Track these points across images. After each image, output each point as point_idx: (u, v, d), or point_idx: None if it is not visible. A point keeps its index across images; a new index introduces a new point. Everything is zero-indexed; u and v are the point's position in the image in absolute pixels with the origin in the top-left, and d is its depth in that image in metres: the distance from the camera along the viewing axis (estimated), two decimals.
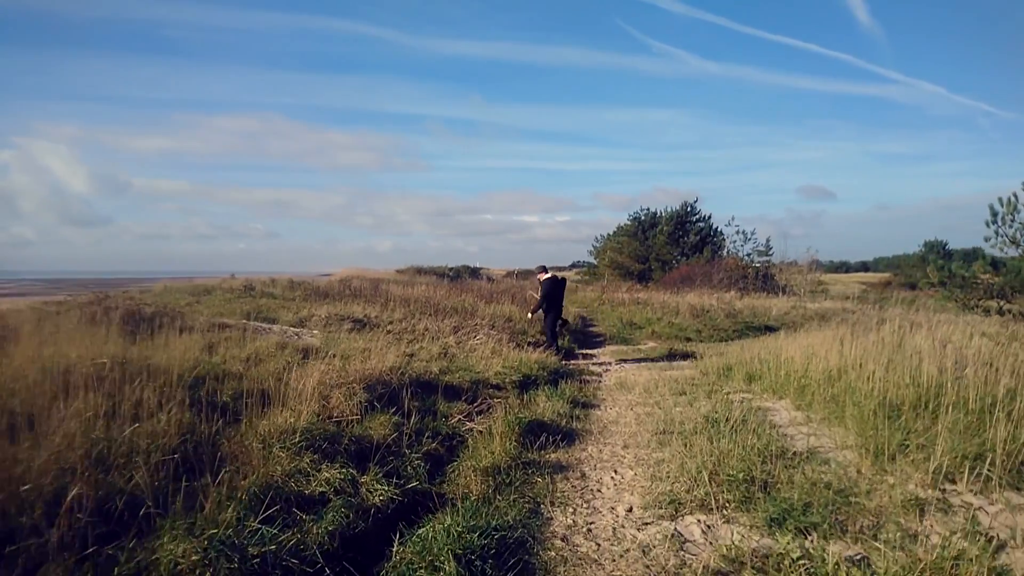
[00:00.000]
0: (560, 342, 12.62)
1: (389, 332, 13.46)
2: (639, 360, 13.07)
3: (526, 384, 8.83)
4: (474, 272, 52.69)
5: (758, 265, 38.39)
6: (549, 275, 12.46)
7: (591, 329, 19.17)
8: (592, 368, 11.80)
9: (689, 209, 44.22)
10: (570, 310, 20.72)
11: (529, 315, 13.04)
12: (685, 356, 13.67)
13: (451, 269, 50.52)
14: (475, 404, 7.21)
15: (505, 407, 7.09)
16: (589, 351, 15.01)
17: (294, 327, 13.33)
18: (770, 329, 20.21)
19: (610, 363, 12.65)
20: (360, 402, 6.06)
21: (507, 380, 8.57)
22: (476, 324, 13.58)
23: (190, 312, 13.19)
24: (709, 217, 44.46)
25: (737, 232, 41.20)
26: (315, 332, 12.92)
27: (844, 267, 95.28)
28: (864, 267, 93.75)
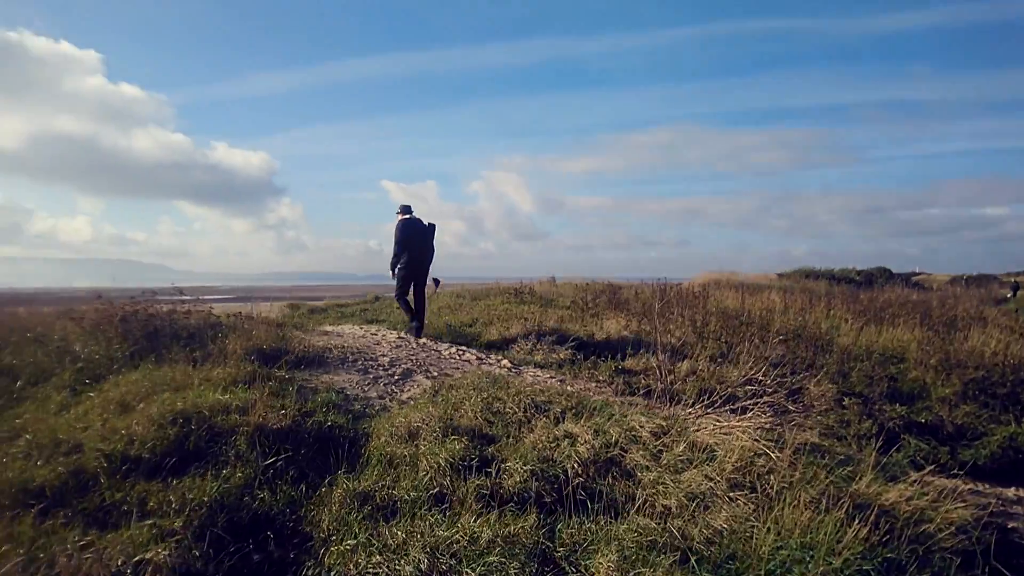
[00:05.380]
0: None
1: (619, 375, 7.52)
2: None
3: None
4: (893, 276, 39.51)
5: None
6: (407, 216, 8.74)
7: None
8: None
9: None
10: None
11: (390, 274, 9.02)
12: None
13: (859, 272, 38.77)
14: None
15: None
16: None
17: (479, 354, 8.27)
18: None
19: None
20: None
21: None
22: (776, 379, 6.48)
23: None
24: None
25: None
26: (502, 362, 7.77)
27: None
28: None
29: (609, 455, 4.18)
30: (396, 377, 6.33)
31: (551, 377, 7.52)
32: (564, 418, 4.80)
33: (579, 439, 4.36)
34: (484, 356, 8.21)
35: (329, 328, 9.34)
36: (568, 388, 7.01)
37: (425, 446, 4.04)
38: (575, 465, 4.01)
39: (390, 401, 5.56)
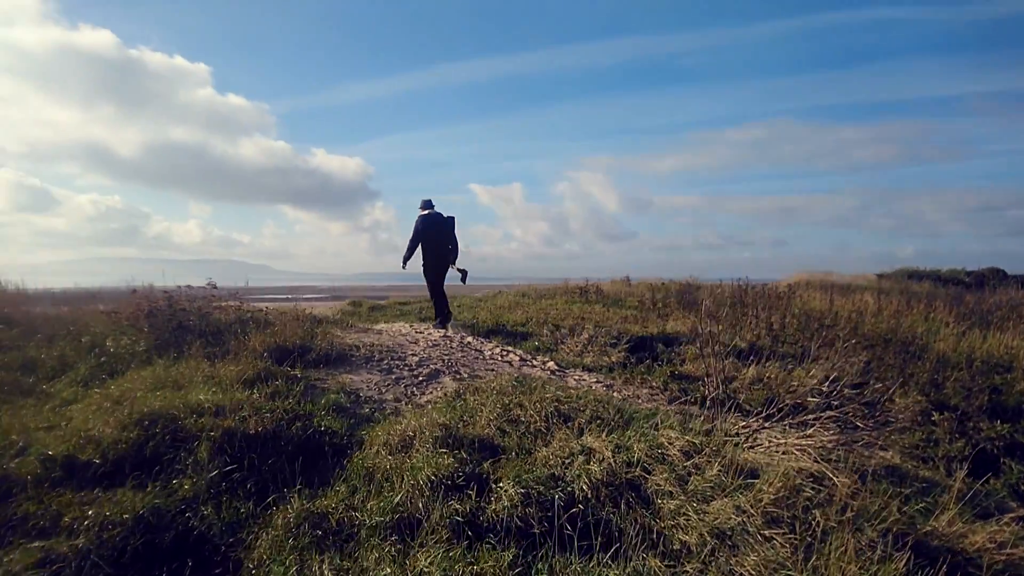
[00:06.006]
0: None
1: (675, 381, 6.86)
2: None
3: None
4: (1007, 277, 35.52)
5: None
6: (427, 212, 8.78)
7: None
8: None
9: None
10: None
11: (402, 267, 8.91)
12: None
13: (969, 273, 35.14)
14: None
15: None
16: None
17: (524, 355, 7.76)
18: None
19: None
20: None
21: None
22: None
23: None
24: None
25: None
26: (548, 363, 7.27)
27: None
28: None
29: (628, 476, 3.56)
30: (421, 378, 5.91)
31: (597, 381, 6.91)
32: (587, 429, 4.22)
33: (596, 455, 3.78)
34: (530, 357, 7.68)
35: (374, 325, 9.09)
36: (614, 395, 6.41)
37: (415, 459, 3.57)
38: (584, 487, 3.43)
39: (406, 404, 5.14)
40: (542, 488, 3.26)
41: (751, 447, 4.48)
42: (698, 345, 7.93)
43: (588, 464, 3.62)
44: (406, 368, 6.14)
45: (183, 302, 6.80)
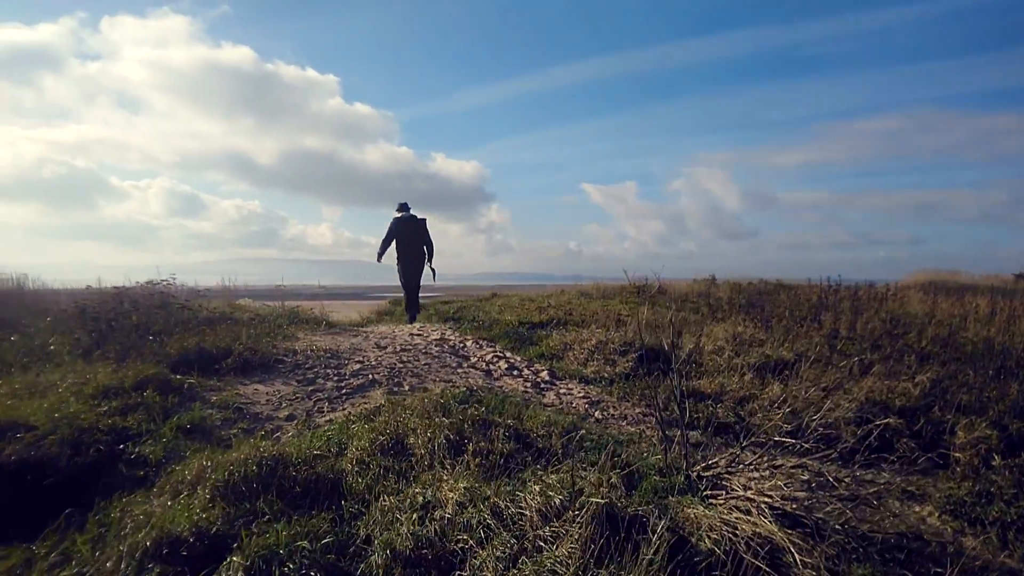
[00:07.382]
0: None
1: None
2: None
3: None
4: None
5: None
6: (400, 215, 9.17)
7: None
8: None
9: None
10: None
11: (377, 260, 9.32)
12: None
13: None
14: None
15: None
16: None
17: (517, 362, 6.79)
18: None
19: None
20: None
21: None
22: None
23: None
24: None
25: None
26: (541, 372, 6.28)
27: None
28: None
29: (450, 547, 2.50)
30: (345, 391, 5.02)
31: (584, 396, 5.78)
32: (470, 466, 3.16)
33: (434, 513, 2.73)
34: (524, 365, 6.68)
35: (373, 327, 8.41)
36: (595, 414, 5.29)
37: (192, 507, 2.70)
38: (377, 563, 2.41)
39: (299, 424, 4.28)
40: (292, 566, 2.28)
41: (711, 495, 3.28)
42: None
43: (398, 526, 2.59)
44: (335, 378, 5.29)
45: (136, 300, 6.37)
